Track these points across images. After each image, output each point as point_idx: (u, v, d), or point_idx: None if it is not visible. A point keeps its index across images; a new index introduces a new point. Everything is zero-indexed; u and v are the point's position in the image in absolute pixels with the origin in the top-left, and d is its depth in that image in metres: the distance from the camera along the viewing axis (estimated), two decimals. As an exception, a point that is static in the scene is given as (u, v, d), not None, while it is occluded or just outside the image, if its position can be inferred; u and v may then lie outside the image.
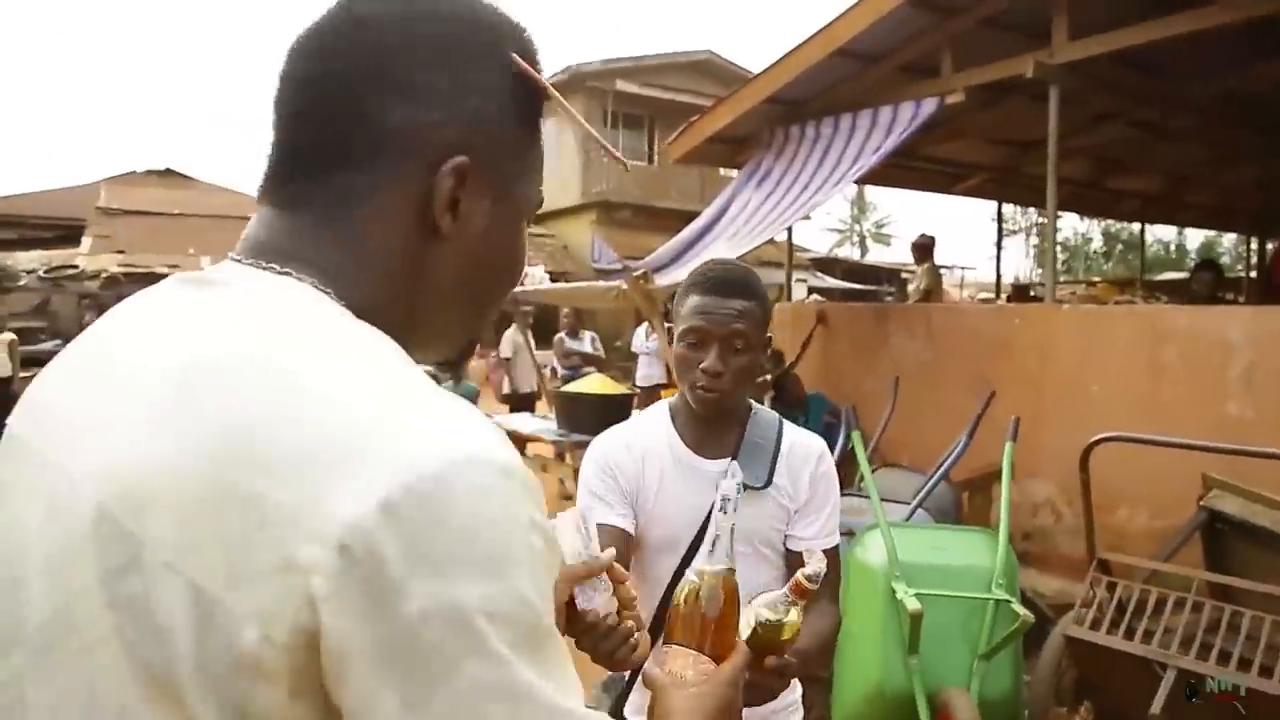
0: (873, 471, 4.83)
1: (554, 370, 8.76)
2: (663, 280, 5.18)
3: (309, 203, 0.68)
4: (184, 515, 0.55)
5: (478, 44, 0.70)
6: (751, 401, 1.78)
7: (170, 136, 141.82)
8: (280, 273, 0.66)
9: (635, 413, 5.59)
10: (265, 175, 0.71)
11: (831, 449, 1.82)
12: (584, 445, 5.34)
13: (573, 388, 5.47)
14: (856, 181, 6.59)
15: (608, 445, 1.74)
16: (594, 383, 5.45)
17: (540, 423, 5.75)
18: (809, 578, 1.13)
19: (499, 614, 0.54)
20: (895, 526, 3.35)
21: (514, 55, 0.71)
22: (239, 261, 0.68)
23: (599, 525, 1.55)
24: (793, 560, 1.68)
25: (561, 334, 8.95)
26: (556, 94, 0.74)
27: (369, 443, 0.55)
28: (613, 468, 1.69)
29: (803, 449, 1.74)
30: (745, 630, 1.15)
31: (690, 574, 1.01)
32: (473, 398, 7.41)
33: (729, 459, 1.67)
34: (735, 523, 1.00)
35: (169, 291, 0.68)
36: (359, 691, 0.53)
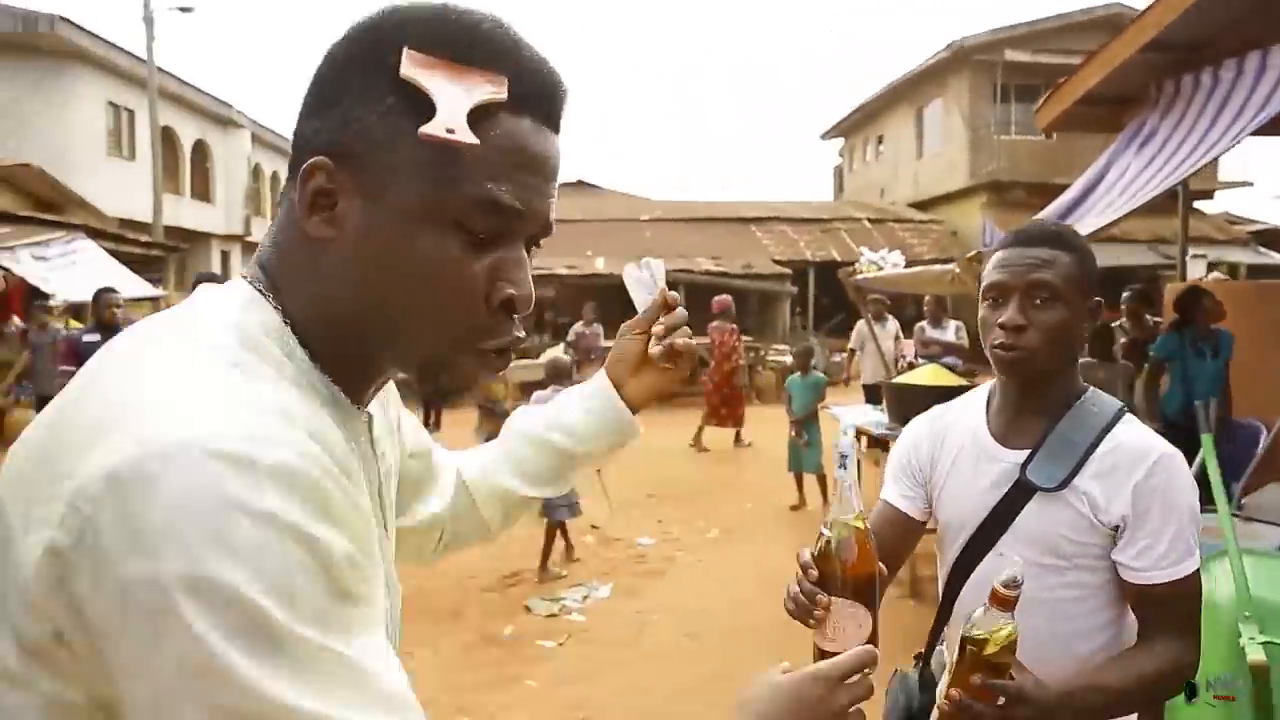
0: (1264, 486, 3.96)
1: (909, 362, 8.33)
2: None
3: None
4: (17, 471, 0.63)
5: (360, 48, 0.71)
6: (1090, 388, 1.54)
7: (583, 149, 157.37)
8: (248, 280, 0.73)
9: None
10: None
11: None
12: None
13: (905, 378, 5.14)
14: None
15: (915, 424, 1.71)
16: (927, 373, 5.08)
17: (871, 415, 5.49)
18: (1005, 584, 1.11)
19: (204, 598, 0.54)
20: (1256, 555, 2.71)
21: (403, 52, 0.68)
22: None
23: (882, 501, 1.67)
24: (1129, 591, 1.43)
25: (923, 323, 8.49)
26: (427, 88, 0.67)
27: (126, 417, 0.58)
28: (911, 448, 1.67)
29: (1133, 452, 1.42)
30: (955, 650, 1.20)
31: (823, 528, 1.07)
32: (819, 388, 7.27)
33: (1029, 450, 1.48)
34: (855, 479, 1.05)
35: None
36: (97, 644, 0.56)
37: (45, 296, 10.56)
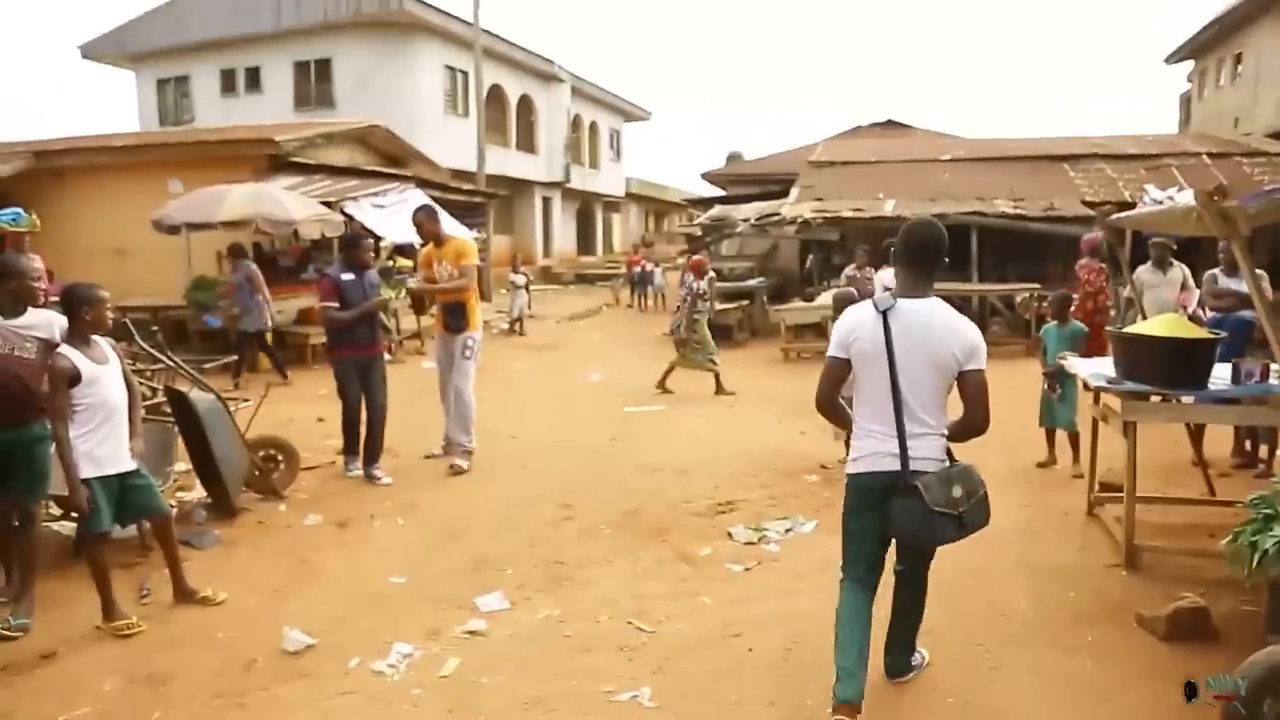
0: None
1: (1191, 314, 7.39)
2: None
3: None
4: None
5: None
6: None
7: (895, 87, 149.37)
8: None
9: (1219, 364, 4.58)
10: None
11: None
12: (1140, 397, 4.56)
13: (1135, 328, 4.66)
14: None
15: None
16: (1163, 324, 4.58)
17: (1095, 366, 5.04)
18: None
19: None
20: None
21: None
22: None
23: None
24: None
25: (1216, 270, 7.49)
26: None
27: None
28: None
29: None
30: None
31: None
32: (1077, 339, 6.72)
33: None
34: None
35: None
36: None
37: (378, 239, 12.29)
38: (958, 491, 3.05)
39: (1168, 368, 4.51)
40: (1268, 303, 4.05)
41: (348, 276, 6.50)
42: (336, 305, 6.44)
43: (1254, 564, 3.33)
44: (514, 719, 3.33)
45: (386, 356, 7.18)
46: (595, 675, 3.61)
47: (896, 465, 3.05)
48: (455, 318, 6.91)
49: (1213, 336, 4.61)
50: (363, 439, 6.72)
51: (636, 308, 22.31)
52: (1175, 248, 7.98)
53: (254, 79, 25.33)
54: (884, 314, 3.08)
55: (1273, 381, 4.45)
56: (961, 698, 3.38)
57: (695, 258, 11.30)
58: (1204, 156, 18.02)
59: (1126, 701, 3.28)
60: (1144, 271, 7.94)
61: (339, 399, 6.74)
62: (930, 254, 3.17)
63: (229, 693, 3.55)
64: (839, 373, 3.21)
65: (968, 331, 3.10)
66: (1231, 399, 4.60)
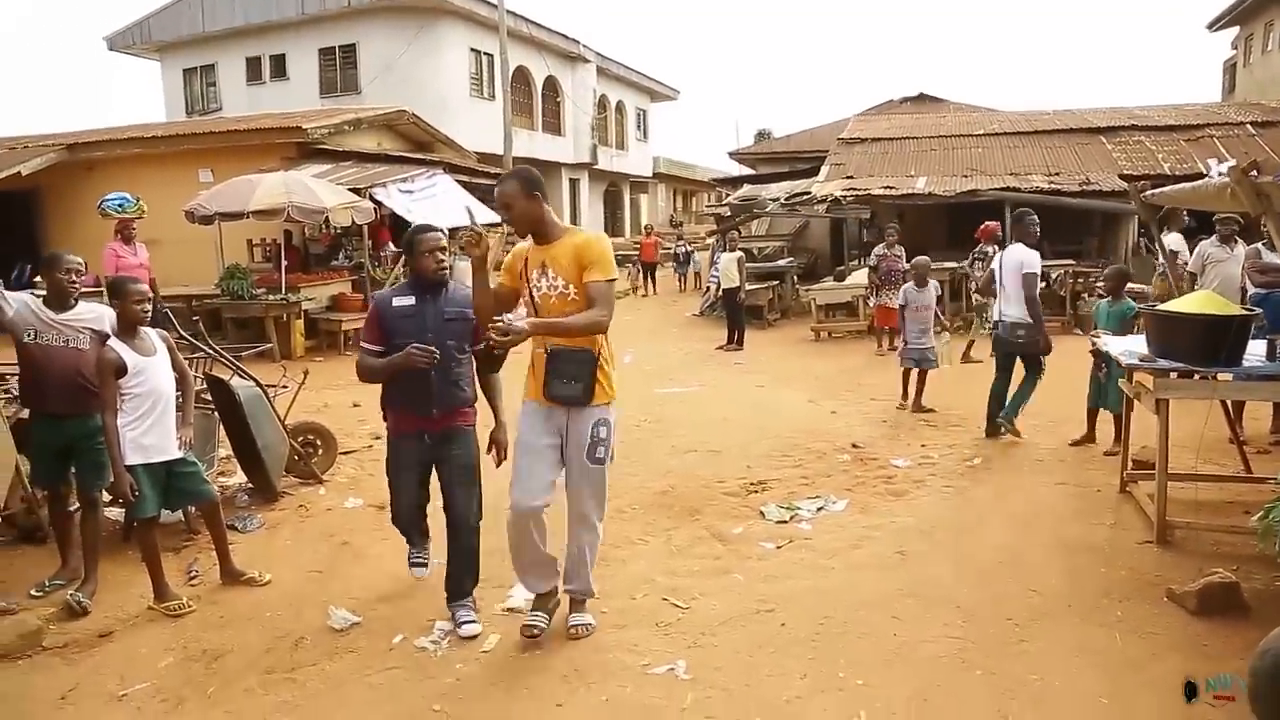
0: None
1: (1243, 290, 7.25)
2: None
3: None
4: None
5: None
6: None
7: (925, 60, 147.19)
8: None
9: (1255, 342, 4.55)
10: None
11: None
12: (1173, 375, 4.54)
13: (1169, 305, 4.64)
14: None
15: None
16: (1197, 300, 4.56)
17: (1128, 344, 5.02)
18: None
19: None
20: None
21: None
22: None
23: None
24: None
25: (1259, 244, 7.39)
26: None
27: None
28: None
29: None
30: None
31: None
32: (1128, 318, 6.62)
33: None
34: None
35: None
36: None
37: (406, 225, 12.39)
38: None
39: (1202, 345, 4.48)
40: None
41: (402, 302, 3.93)
42: (378, 349, 3.92)
43: (1286, 539, 3.34)
44: (553, 690, 3.42)
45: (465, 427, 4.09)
46: (632, 649, 3.70)
47: None
48: (576, 377, 3.60)
49: (1247, 313, 4.58)
50: (445, 555, 4.09)
51: (648, 293, 22.03)
52: (1242, 223, 7.82)
53: (280, 66, 25.56)
54: None
55: (1310, 358, 4.43)
56: (989, 669, 3.43)
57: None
58: (1248, 126, 17.64)
59: (1155, 673, 3.31)
60: (1209, 246, 7.78)
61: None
62: None
63: (280, 668, 3.69)
64: None
65: None
66: (1270, 375, 4.57)
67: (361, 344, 4.02)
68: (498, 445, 4.11)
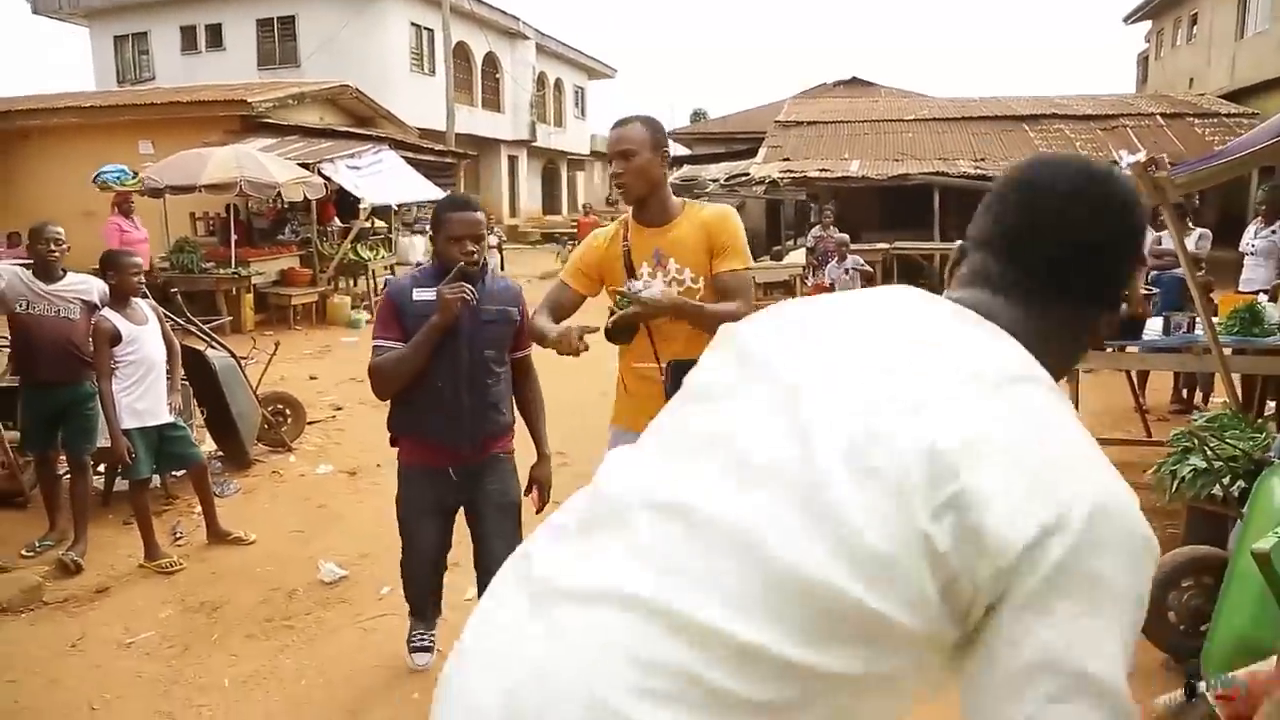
0: None
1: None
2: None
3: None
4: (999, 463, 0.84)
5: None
6: None
7: (859, 44, 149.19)
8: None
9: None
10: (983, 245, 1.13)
11: None
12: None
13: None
14: None
15: None
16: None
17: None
18: None
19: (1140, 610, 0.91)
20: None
21: None
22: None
23: None
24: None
25: (1161, 233, 8.02)
26: None
27: (1089, 465, 0.92)
28: None
29: None
30: None
31: None
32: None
33: None
34: None
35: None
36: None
37: (356, 200, 12.50)
38: None
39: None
40: (1190, 262, 4.57)
41: (425, 296, 3.02)
42: (395, 341, 3.05)
43: (1173, 489, 3.87)
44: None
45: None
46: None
47: None
48: None
49: (1146, 292, 5.14)
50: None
51: None
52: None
53: (216, 36, 24.98)
54: None
55: (1197, 333, 5.00)
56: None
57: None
58: (1158, 117, 18.64)
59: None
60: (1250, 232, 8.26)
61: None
62: None
63: (277, 616, 3.98)
64: None
65: None
66: (1164, 348, 5.14)
67: (376, 341, 3.07)
68: (539, 485, 3.29)
